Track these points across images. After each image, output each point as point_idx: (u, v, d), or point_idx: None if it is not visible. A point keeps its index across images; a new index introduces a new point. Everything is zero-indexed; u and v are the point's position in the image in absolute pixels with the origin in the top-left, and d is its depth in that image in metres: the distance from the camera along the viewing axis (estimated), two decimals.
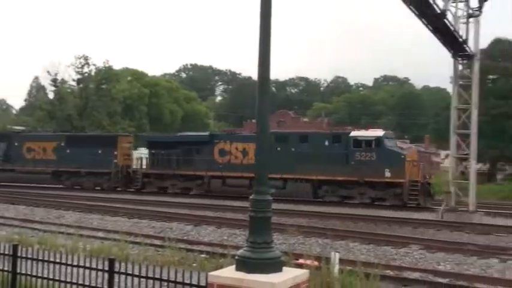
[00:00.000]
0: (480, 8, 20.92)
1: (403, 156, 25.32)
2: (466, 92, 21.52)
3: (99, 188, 33.08)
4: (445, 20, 18.96)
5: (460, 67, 22.28)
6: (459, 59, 21.88)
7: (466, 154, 21.29)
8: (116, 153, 33.11)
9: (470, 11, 20.83)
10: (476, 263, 12.14)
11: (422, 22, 19.35)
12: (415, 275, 10.56)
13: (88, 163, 32.62)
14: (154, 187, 31.26)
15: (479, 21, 21.05)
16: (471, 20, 20.93)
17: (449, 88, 23.49)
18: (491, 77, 46.96)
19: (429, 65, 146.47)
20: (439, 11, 18.39)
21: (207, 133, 33.38)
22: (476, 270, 11.52)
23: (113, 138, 34.84)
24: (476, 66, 21.42)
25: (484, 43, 45.89)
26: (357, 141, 25.87)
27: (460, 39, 20.41)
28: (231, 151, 29.32)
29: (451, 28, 19.52)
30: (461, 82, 21.91)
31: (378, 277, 8.52)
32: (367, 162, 25.34)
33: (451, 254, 13.11)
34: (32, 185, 33.68)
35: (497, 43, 48.19)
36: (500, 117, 43.46)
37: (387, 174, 24.81)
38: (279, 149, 27.22)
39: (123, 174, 33.02)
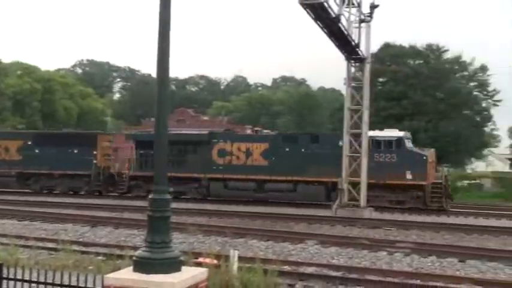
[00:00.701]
0: (371, 14, 22.03)
1: (425, 158, 24.40)
2: (358, 94, 22.57)
3: (72, 192, 30.33)
4: (340, 24, 19.74)
5: (353, 70, 23.31)
6: (352, 61, 22.88)
7: (358, 153, 22.31)
8: (95, 153, 30.09)
9: (362, 17, 21.86)
10: (367, 256, 12.79)
11: (318, 25, 20.00)
12: (311, 270, 10.92)
13: (62, 164, 29.54)
14: (142, 191, 27.94)
15: (371, 27, 22.18)
16: (363, 25, 21.98)
17: (343, 89, 24.40)
18: (381, 79, 49.62)
19: (325, 67, 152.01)
20: (333, 15, 19.12)
21: (205, 132, 30.46)
22: (367, 263, 12.14)
23: (92, 136, 31.46)
24: (368, 69, 22.54)
25: (375, 47, 48.52)
26: (376, 142, 24.79)
27: (353, 43, 21.35)
28: (233, 151, 27.25)
29: (345, 32, 20.37)
30: (353, 84, 22.92)
31: (276, 273, 8.72)
32: (387, 164, 24.37)
33: (344, 248, 13.72)
34: None
35: (387, 47, 51.03)
36: (389, 118, 46.06)
37: (408, 176, 24.01)
38: (287, 150, 26.27)
39: (105, 177, 30.07)
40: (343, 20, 20.05)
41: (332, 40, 21.14)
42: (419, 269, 11.51)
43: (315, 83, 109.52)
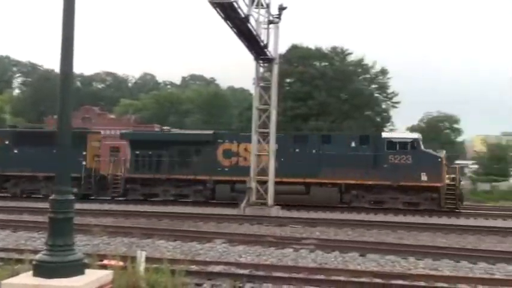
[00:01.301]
0: (279, 15, 22.48)
1: (440, 160, 24.46)
2: (267, 94, 22.94)
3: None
4: (249, 25, 19.97)
5: (262, 70, 23.67)
6: (261, 62, 23.22)
7: (266, 152, 22.68)
8: (85, 153, 27.53)
9: (271, 18, 22.25)
10: (273, 254, 13.03)
11: (228, 25, 20.11)
12: (219, 268, 10.95)
13: (45, 166, 26.15)
14: (139, 194, 26.48)
15: (279, 28, 22.63)
16: (271, 26, 22.37)
17: (252, 89, 24.69)
18: (289, 80, 50.81)
19: (235, 67, 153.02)
20: (243, 16, 19.31)
21: (210, 132, 28.67)
22: (274, 260, 12.37)
23: (81, 135, 27.95)
24: (276, 69, 22.97)
25: (283, 48, 49.59)
26: (391, 143, 24.60)
27: (262, 44, 21.68)
28: (239, 152, 26.12)
29: (254, 32, 20.64)
30: (262, 84, 23.28)
31: (183, 273, 8.66)
32: (403, 166, 24.19)
33: (252, 246, 13.89)
34: None
35: (294, 49, 52.34)
36: (296, 118, 47.28)
37: (423, 178, 23.90)
38: (297, 150, 25.59)
39: (97, 179, 27.77)
40: (252, 21, 20.31)
41: (241, 40, 21.33)
42: (323, 265, 11.89)
43: (224, 82, 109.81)
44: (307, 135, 27.94)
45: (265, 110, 22.86)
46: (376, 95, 53.80)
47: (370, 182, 24.38)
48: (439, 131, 61.34)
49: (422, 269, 11.60)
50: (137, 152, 26.77)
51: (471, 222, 21.69)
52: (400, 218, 22.22)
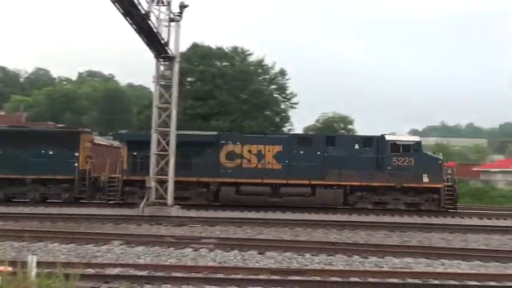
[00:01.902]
0: (181, 13, 22.29)
1: (440, 162, 25.15)
2: (167, 92, 22.68)
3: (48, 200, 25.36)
4: (149, 22, 19.64)
5: (162, 68, 23.35)
6: (161, 60, 22.91)
7: (166, 151, 22.42)
8: (77, 154, 25.46)
9: (172, 16, 22.02)
10: (173, 254, 12.95)
11: (128, 21, 19.64)
12: (116, 271, 10.72)
13: (33, 168, 24.67)
14: (137, 197, 24.32)
15: (180, 26, 22.44)
16: (172, 24, 22.14)
17: (152, 87, 24.30)
18: (189, 79, 50.52)
19: (135, 64, 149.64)
20: (143, 12, 18.95)
21: (212, 133, 27.60)
22: (173, 260, 12.30)
23: (74, 135, 26.34)
24: (176, 68, 22.77)
25: (184, 47, 49.23)
26: (395, 146, 24.80)
27: (163, 42, 21.40)
28: (243, 154, 25.26)
29: (154, 30, 20.33)
30: (162, 82, 22.98)
31: (78, 276, 8.37)
32: (406, 168, 24.58)
33: (151, 246, 13.71)
34: None
35: (195, 48, 52.12)
36: (197, 117, 47.12)
37: (425, 179, 24.40)
38: (302, 152, 25.02)
39: (91, 182, 25.69)
40: (152, 18, 19.98)
41: (141, 37, 20.95)
42: (223, 263, 12.01)
43: (123, 80, 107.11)
44: (311, 137, 27.90)
45: (165, 108, 22.59)
46: (276, 95, 54.95)
47: (374, 184, 24.79)
48: (334, 131, 63.84)
49: (317, 264, 12.06)
50: (134, 154, 25.32)
51: (362, 218, 22.83)
52: (297, 216, 22.90)
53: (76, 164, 25.40)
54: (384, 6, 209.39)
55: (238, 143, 25.48)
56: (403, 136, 27.76)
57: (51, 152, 25.44)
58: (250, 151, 25.27)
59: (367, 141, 25.60)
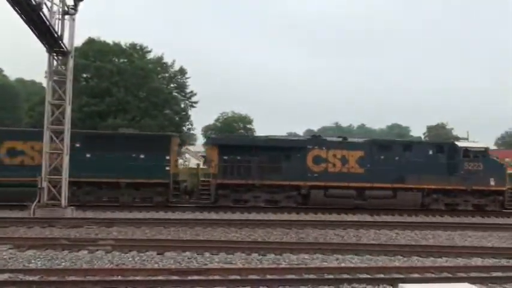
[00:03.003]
0: (75, 6, 21.42)
1: (504, 166, 27.69)
2: (61, 88, 21.71)
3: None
4: (41, 13, 18.65)
5: (55, 63, 22.30)
6: (54, 54, 21.88)
7: (60, 149, 21.47)
8: (168, 158, 25.48)
9: (66, 8, 21.10)
10: (67, 257, 12.42)
11: (16, 11, 18.51)
12: (4, 277, 10.10)
13: (125, 172, 24.65)
14: (229, 200, 25.38)
15: (75, 20, 21.56)
16: (67, 17, 21.23)
17: (45, 82, 23.18)
18: (85, 75, 48.72)
19: (25, 58, 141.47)
20: (34, 3, 17.96)
21: (301, 138, 28.37)
22: (67, 263, 11.80)
23: (165, 138, 26.64)
24: (71, 63, 21.86)
25: (80, 41, 47.40)
26: (467, 152, 27.05)
27: (56, 35, 20.44)
28: (328, 158, 26.49)
29: (47, 22, 19.34)
30: (56, 78, 21.96)
31: None
32: (475, 172, 26.81)
33: (43, 250, 13.05)
34: None
35: (91, 43, 50.32)
36: (93, 114, 45.56)
37: (492, 182, 26.80)
38: (382, 157, 26.66)
39: (184, 185, 26.75)
40: (45, 10, 19.01)
41: (32, 30, 19.84)
42: (121, 265, 11.71)
43: (12, 74, 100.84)
44: (390, 144, 28.87)
45: (59, 105, 21.61)
46: (175, 94, 54.48)
47: (448, 187, 26.84)
48: (234, 130, 64.50)
49: (217, 263, 12.12)
50: (225, 158, 25.89)
51: (261, 216, 23.27)
52: (196, 215, 22.88)
53: (168, 168, 25.56)
54: (285, 7, 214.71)
55: (324, 148, 26.87)
56: (473, 143, 30.04)
57: (142, 156, 25.43)
58: (334, 156, 26.81)
59: (439, 147, 28.15)
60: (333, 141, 27.76)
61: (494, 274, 11.64)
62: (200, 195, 26.03)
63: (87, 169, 24.28)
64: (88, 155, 24.99)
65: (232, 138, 29.34)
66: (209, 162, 26.82)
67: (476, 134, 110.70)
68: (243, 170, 25.88)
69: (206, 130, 70.43)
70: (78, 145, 24.57)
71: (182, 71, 54.90)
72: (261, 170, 25.88)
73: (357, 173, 26.65)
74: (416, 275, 11.24)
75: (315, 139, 28.31)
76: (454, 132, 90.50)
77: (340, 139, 28.06)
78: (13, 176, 23.66)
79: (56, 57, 22.06)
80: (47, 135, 21.49)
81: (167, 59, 54.90)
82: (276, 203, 25.79)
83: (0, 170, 24.16)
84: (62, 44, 21.15)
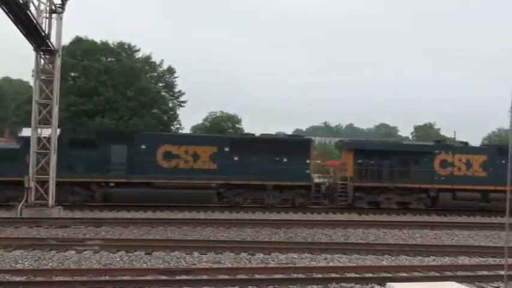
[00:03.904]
0: (63, 5, 21.29)
1: None
2: (48, 87, 21.56)
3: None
4: (28, 12, 18.50)
5: (43, 62, 22.14)
6: (42, 53, 21.73)
7: (47, 149, 21.32)
8: (308, 161, 26.93)
9: (53, 7, 20.96)
10: (54, 257, 12.34)
11: (3, 10, 18.36)
12: None
13: (271, 174, 25.68)
14: (364, 202, 27.05)
15: (62, 18, 21.42)
16: (54, 15, 21.09)
17: (32, 81, 23.02)
18: (73, 74, 48.43)
19: (12, 56, 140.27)
20: (21, 1, 17.82)
21: (429, 143, 30.26)
22: (55, 264, 11.72)
23: (306, 143, 28.27)
24: (58, 62, 21.72)
25: (67, 40, 47.10)
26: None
27: (43, 34, 20.29)
28: (454, 162, 27.83)
29: (34, 21, 19.19)
30: (43, 77, 21.81)
31: None
32: None
33: (30, 250, 12.95)
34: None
35: (79, 42, 50.04)
36: (81, 114, 45.30)
37: None
38: (503, 161, 26.10)
39: (326, 187, 27.80)
40: (32, 8, 18.86)
41: (19, 29, 19.68)
42: (109, 265, 11.66)
43: None
44: None
45: (46, 104, 21.46)
46: (163, 93, 54.31)
47: None
48: (222, 130, 64.39)
49: (205, 263, 12.11)
50: (360, 161, 27.29)
51: (249, 216, 23.30)
52: (184, 215, 22.86)
53: (308, 171, 26.93)
54: (275, 8, 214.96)
55: (450, 152, 28.10)
56: None
57: (285, 159, 26.35)
58: (460, 160, 28.04)
59: None
60: (458, 146, 29.29)
61: (481, 273, 11.76)
62: (338, 197, 27.29)
63: (235, 172, 25.54)
64: (236, 158, 26.05)
65: (366, 143, 30.55)
66: (343, 166, 28.40)
67: (463, 134, 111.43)
68: (376, 173, 27.33)
69: (194, 130, 70.26)
70: (227, 149, 26.09)
71: (170, 70, 54.77)
72: (392, 173, 27.33)
73: (481, 177, 27.89)
74: (404, 274, 11.31)
75: (441, 144, 30.13)
76: (442, 132, 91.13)
77: (462, 144, 29.70)
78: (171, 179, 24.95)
79: (43, 56, 21.91)
80: (34, 134, 21.32)
81: (156, 58, 54.76)
82: (404, 205, 27.29)
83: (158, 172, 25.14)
84: (49, 43, 21.01)
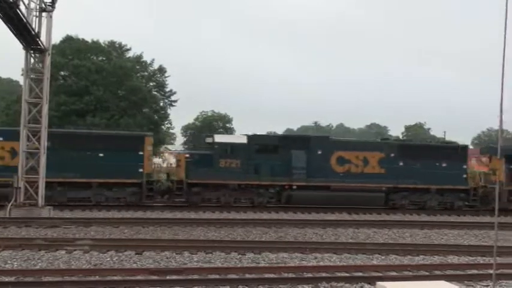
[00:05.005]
0: (53, 3, 21.15)
1: None
2: (38, 86, 21.41)
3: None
4: (18, 10, 18.37)
5: (33, 60, 21.99)
6: (31, 52, 21.58)
7: (37, 148, 21.18)
8: (464, 167, 28.07)
9: (43, 5, 20.82)
10: (44, 257, 12.28)
11: None
12: None
13: (434, 178, 27.03)
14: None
15: (52, 17, 21.29)
16: (44, 14, 20.94)
17: (22, 80, 22.86)
18: (63, 73, 48.13)
19: (2, 55, 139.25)
20: (11, 0, 17.69)
21: None
22: (44, 264, 11.66)
23: (463, 149, 29.33)
24: (48, 61, 21.56)
25: (57, 39, 46.82)
26: None
27: (33, 32, 20.15)
28: None
29: (24, 20, 19.06)
30: (33, 76, 21.66)
31: None
32: None
33: (19, 251, 12.88)
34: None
35: (69, 40, 49.75)
36: (71, 113, 45.03)
37: None
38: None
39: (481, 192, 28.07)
40: (21, 6, 18.73)
41: (8, 27, 19.52)
42: (99, 265, 11.62)
43: None
44: None
45: (36, 103, 21.31)
46: (154, 92, 54.13)
47: None
48: (213, 129, 64.35)
49: (196, 263, 12.10)
50: (510, 167, 27.77)
51: (240, 216, 23.29)
52: (175, 215, 22.80)
53: (465, 176, 27.88)
54: (269, 9, 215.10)
55: None
56: None
57: (444, 165, 27.54)
58: None
59: None
60: None
61: (470, 272, 11.83)
62: (491, 201, 27.44)
63: (402, 176, 26.90)
64: (401, 163, 27.25)
65: None
66: (492, 171, 28.38)
67: (453, 134, 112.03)
68: None
69: (185, 129, 70.16)
70: (393, 155, 27.32)
71: (161, 70, 54.59)
72: None
73: None
74: (394, 273, 11.36)
75: None
76: (432, 132, 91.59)
77: None
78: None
79: (33, 55, 21.75)
80: (23, 133, 21.17)
81: (147, 58, 54.57)
82: None
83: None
84: (39, 42, 20.86)
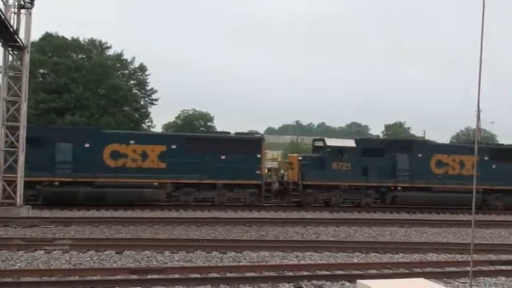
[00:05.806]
0: (32, 0, 20.89)
1: None
2: (16, 84, 21.13)
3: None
4: None
5: (11, 58, 21.70)
6: (9, 49, 21.29)
7: (15, 147, 20.91)
8: None
9: (22, 2, 20.56)
10: (22, 257, 12.13)
11: None
12: None
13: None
14: None
15: (31, 14, 21.02)
16: (23, 11, 20.67)
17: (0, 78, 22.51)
18: (42, 71, 47.60)
19: None
20: None
21: None
22: (23, 264, 11.53)
23: None
24: (27, 58, 21.29)
25: (36, 36, 46.26)
26: None
27: (11, 29, 19.88)
28: None
29: (2, 16, 18.79)
30: (11, 73, 21.37)
31: None
32: None
33: None
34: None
35: (48, 38, 49.20)
36: (50, 111, 44.54)
37: None
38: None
39: None
40: (0, 3, 18.47)
41: None
42: (78, 265, 11.53)
43: None
44: None
45: (14, 102, 21.03)
46: (135, 91, 53.80)
47: None
48: (195, 128, 64.15)
49: (177, 262, 12.07)
50: None
51: (221, 214, 23.27)
52: (156, 213, 22.69)
53: None
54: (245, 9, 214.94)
55: None
56: None
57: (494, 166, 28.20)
58: None
59: None
60: None
61: (449, 269, 11.99)
62: None
63: (494, 178, 27.77)
64: (494, 166, 28.06)
65: None
66: None
67: (432, 133, 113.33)
68: None
69: (167, 128, 69.77)
70: (487, 158, 28.14)
71: (142, 68, 54.27)
72: None
73: None
74: (374, 271, 11.47)
75: None
76: (411, 131, 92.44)
77: None
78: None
79: (11, 52, 21.46)
80: (1, 132, 20.88)
81: (127, 56, 54.21)
82: None
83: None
84: (17, 39, 20.58)
